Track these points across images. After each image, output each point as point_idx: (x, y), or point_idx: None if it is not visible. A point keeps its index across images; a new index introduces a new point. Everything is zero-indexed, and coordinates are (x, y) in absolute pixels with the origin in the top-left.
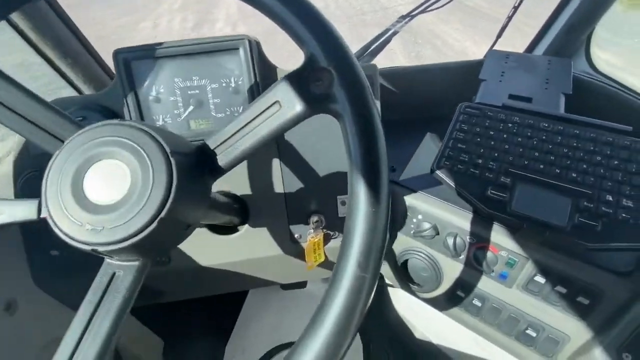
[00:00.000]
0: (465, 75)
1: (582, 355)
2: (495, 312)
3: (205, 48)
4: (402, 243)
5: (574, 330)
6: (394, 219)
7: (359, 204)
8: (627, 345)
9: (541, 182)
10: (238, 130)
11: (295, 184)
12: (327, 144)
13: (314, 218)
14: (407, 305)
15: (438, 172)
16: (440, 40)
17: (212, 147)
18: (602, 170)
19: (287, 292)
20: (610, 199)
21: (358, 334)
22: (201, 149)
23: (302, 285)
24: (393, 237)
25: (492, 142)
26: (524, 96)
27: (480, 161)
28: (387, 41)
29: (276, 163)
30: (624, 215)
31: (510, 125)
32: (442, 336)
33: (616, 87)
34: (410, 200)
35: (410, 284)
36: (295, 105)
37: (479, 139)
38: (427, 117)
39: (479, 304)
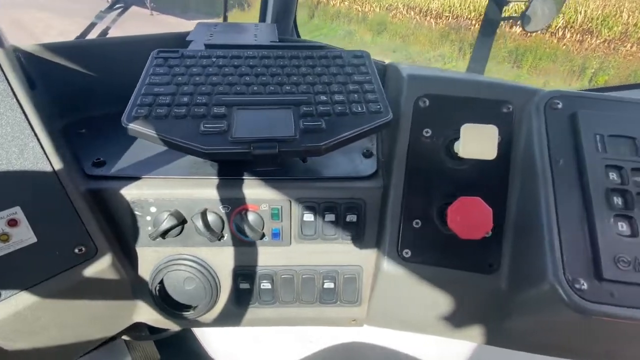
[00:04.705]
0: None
1: (377, 277)
2: (289, 284)
3: None
4: (148, 261)
5: (360, 255)
6: (120, 228)
7: None
8: (402, 243)
9: (259, 102)
10: None
11: None
12: None
13: None
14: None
15: (132, 125)
16: None
17: None
18: (311, 78)
19: None
20: (325, 98)
21: None
22: None
23: None
24: (131, 258)
25: (198, 78)
26: (233, 44)
27: (185, 99)
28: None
29: None
30: (340, 108)
31: (214, 59)
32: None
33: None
34: (132, 192)
35: (183, 313)
36: None
37: (180, 79)
38: None
39: (268, 285)
